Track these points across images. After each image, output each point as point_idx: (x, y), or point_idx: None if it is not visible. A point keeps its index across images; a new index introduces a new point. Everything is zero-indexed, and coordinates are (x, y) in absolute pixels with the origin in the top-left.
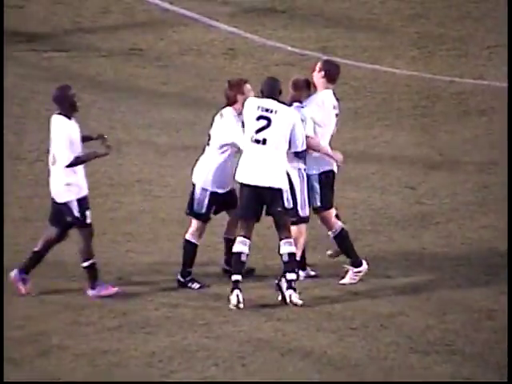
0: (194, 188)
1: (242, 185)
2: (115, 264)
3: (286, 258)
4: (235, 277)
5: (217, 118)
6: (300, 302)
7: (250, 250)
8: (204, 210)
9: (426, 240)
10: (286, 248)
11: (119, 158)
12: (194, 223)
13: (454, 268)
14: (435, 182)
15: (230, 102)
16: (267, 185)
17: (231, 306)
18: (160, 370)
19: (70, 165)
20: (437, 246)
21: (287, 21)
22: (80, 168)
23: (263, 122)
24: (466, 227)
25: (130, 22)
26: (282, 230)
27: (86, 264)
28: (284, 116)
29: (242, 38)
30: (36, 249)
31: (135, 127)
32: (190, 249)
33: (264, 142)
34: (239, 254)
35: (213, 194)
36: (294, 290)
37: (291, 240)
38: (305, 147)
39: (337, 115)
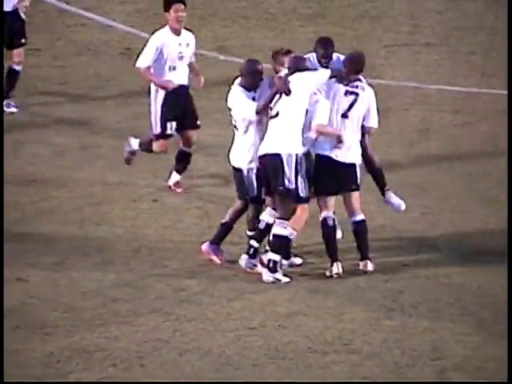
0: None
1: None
2: (16, 263)
3: (271, 238)
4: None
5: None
6: (270, 280)
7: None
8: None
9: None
10: (275, 228)
11: (16, 158)
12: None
13: (352, 268)
14: None
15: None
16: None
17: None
18: (58, 370)
19: None
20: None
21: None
22: None
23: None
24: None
25: (27, 22)
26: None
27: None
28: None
29: (138, 37)
30: (223, 220)
31: (31, 127)
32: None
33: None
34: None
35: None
36: (270, 269)
37: (282, 221)
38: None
39: None
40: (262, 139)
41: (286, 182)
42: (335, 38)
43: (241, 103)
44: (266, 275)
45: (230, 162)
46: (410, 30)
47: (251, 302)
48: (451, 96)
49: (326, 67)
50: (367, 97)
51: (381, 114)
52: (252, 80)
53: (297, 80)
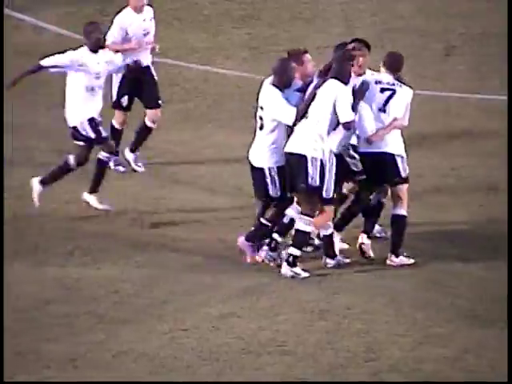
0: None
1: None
2: None
3: (293, 233)
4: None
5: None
6: (289, 274)
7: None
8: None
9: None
10: (297, 223)
11: None
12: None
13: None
14: None
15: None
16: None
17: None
18: None
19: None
20: None
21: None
22: None
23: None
24: None
25: None
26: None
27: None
28: (327, 90)
29: (72, 39)
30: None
31: None
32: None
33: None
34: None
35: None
36: (289, 263)
37: (305, 217)
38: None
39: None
40: (285, 139)
41: (310, 179)
42: (269, 39)
43: (278, 105)
44: (285, 269)
45: (249, 161)
46: (344, 31)
47: (185, 304)
48: None
49: None
50: (404, 94)
51: None
52: (286, 79)
53: (332, 87)
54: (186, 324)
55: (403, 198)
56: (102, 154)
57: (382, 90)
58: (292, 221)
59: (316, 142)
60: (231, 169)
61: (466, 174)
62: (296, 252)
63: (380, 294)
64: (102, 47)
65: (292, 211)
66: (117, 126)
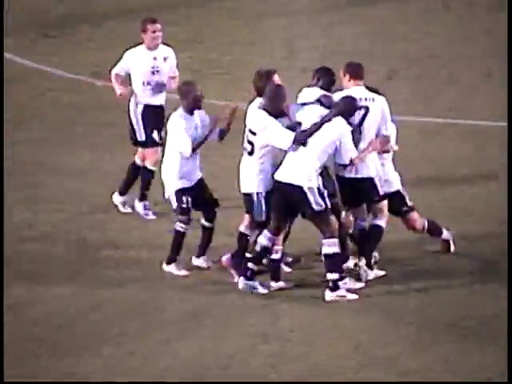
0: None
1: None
2: None
3: (322, 259)
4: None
5: (251, 116)
6: (336, 299)
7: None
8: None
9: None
10: (324, 249)
11: None
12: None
13: (226, 292)
14: None
15: (261, 93)
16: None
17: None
18: None
19: None
20: (213, 269)
21: (59, 46)
22: None
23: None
24: None
25: None
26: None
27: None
28: (333, 128)
29: (13, 62)
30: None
31: None
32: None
33: (304, 144)
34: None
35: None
36: (332, 289)
37: (328, 240)
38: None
39: None
40: (273, 164)
41: (314, 206)
42: (211, 63)
43: (274, 130)
44: (329, 295)
45: (239, 188)
46: (286, 55)
47: (128, 327)
48: None
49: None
50: (377, 108)
51: None
52: (277, 105)
53: (338, 125)
54: (129, 348)
55: (384, 211)
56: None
57: (359, 108)
58: (265, 249)
59: (310, 173)
60: None
61: None
62: (334, 276)
63: (323, 317)
64: (199, 107)
65: (263, 238)
66: (149, 166)
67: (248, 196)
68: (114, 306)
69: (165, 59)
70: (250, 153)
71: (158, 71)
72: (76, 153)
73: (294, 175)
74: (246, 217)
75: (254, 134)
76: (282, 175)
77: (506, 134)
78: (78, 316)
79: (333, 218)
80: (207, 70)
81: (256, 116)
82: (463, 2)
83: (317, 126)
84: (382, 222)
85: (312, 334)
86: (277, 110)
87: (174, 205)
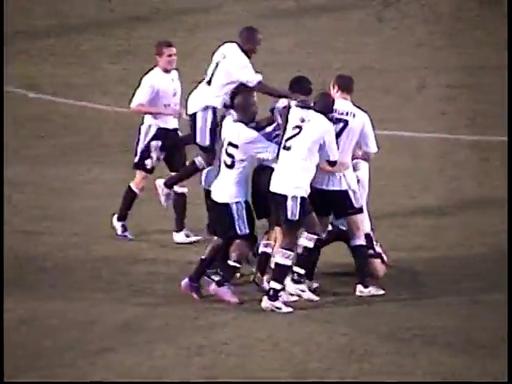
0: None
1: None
2: None
3: (273, 267)
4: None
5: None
6: (270, 308)
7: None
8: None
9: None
10: (277, 258)
11: None
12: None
13: (159, 303)
14: (143, 217)
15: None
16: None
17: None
18: None
19: None
20: (146, 281)
21: None
22: None
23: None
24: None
25: None
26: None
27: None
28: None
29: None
30: (203, 256)
31: None
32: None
33: (289, 148)
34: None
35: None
36: (270, 297)
37: (285, 251)
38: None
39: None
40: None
41: (290, 214)
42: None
43: (259, 143)
44: (266, 303)
45: (212, 197)
46: None
47: (61, 339)
48: None
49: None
50: (356, 124)
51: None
52: (251, 113)
53: (318, 122)
54: (62, 359)
55: (360, 228)
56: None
57: (336, 121)
58: (307, 249)
59: (299, 180)
60: (108, 204)
61: None
62: (276, 286)
63: (257, 329)
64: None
65: (305, 240)
66: (135, 188)
67: (224, 206)
68: (47, 318)
69: (177, 80)
70: (230, 166)
71: (175, 93)
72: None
73: (281, 184)
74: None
75: (235, 146)
76: (272, 185)
77: (439, 145)
78: (11, 328)
79: (297, 232)
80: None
81: (236, 130)
82: (397, 14)
83: (298, 127)
84: (362, 241)
85: (245, 345)
86: (249, 118)
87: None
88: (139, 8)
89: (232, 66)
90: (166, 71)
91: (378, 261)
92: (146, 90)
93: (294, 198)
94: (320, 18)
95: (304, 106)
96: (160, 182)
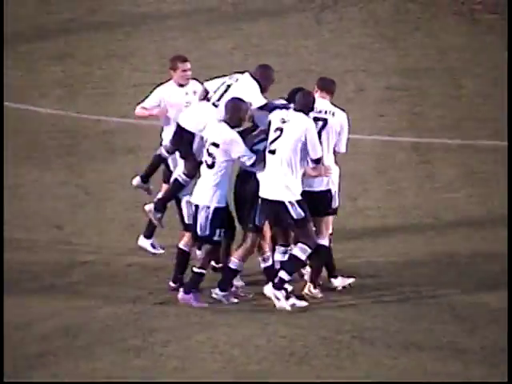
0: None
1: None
2: None
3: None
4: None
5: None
6: (270, 294)
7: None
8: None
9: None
10: (295, 250)
11: None
12: (187, 236)
13: (98, 307)
14: (82, 221)
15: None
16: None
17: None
18: None
19: None
20: (87, 284)
21: None
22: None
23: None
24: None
25: None
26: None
27: (197, 270)
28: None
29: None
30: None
31: None
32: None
33: (274, 152)
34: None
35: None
36: (275, 286)
37: (304, 246)
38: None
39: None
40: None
41: (294, 215)
42: (83, 77)
43: (239, 148)
44: (269, 289)
45: (191, 199)
46: (159, 69)
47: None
48: None
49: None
50: (335, 122)
51: (131, 154)
52: (238, 118)
53: (298, 120)
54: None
55: (328, 228)
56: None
57: (315, 119)
58: (281, 262)
59: (289, 182)
60: (48, 206)
61: None
62: (286, 277)
63: (197, 331)
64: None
65: (278, 254)
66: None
67: (196, 208)
68: None
69: (194, 93)
70: (211, 166)
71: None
72: None
73: (275, 190)
74: (187, 234)
75: (216, 146)
76: (264, 191)
77: (379, 147)
78: None
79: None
80: (79, 85)
81: (219, 129)
82: (335, 17)
83: (278, 129)
84: (325, 242)
85: (185, 347)
86: (237, 123)
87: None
88: (77, 10)
89: (244, 89)
90: (181, 85)
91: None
92: (153, 99)
93: (291, 201)
94: (258, 21)
95: (283, 107)
96: (149, 207)
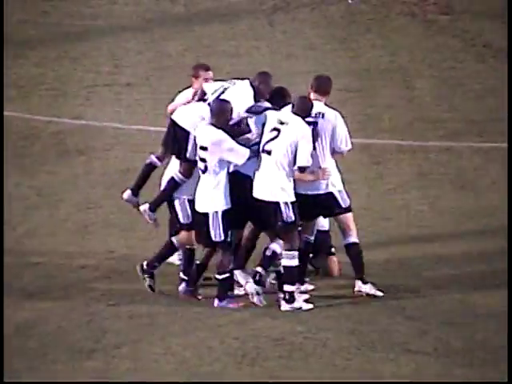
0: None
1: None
2: None
3: (281, 270)
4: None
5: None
6: (291, 310)
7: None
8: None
9: None
10: (284, 261)
11: None
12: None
13: (50, 309)
14: (34, 221)
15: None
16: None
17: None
18: None
19: None
20: (39, 285)
21: None
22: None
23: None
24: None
25: None
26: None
27: (220, 277)
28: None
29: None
30: (198, 261)
31: None
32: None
33: (269, 152)
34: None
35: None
36: (287, 301)
37: (288, 252)
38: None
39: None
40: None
41: (285, 217)
42: (36, 78)
43: (229, 146)
44: (285, 307)
45: (195, 206)
46: (112, 70)
47: None
48: (152, 136)
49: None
50: (326, 123)
51: (84, 155)
52: (224, 119)
53: (297, 125)
54: None
55: (350, 226)
56: None
57: (307, 124)
58: (274, 253)
59: (283, 183)
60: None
61: None
62: (291, 288)
63: (149, 333)
64: None
65: (276, 245)
66: None
67: (204, 216)
68: None
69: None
70: (204, 171)
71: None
72: None
73: (269, 190)
74: (183, 232)
75: (205, 149)
76: (258, 192)
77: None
78: None
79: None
80: (32, 86)
81: (205, 132)
82: (287, 19)
83: (275, 130)
84: (354, 238)
85: (137, 349)
86: (224, 124)
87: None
88: (29, 11)
89: (237, 93)
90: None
91: (334, 259)
92: (181, 101)
93: (286, 202)
94: (210, 23)
95: (273, 108)
96: (145, 207)
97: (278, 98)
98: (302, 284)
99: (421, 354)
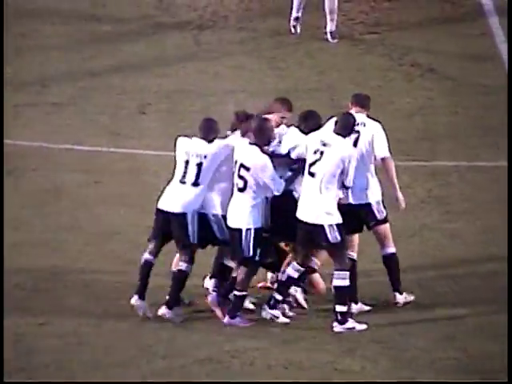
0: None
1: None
2: None
3: (332, 290)
4: None
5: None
6: (344, 331)
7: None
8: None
9: None
10: (335, 281)
11: None
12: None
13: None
14: None
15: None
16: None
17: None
18: None
19: None
20: None
21: None
22: None
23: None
24: None
25: None
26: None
27: (238, 294)
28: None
29: None
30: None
31: None
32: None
33: (313, 175)
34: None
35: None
36: (340, 322)
37: (339, 273)
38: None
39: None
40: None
41: (331, 239)
42: None
43: (269, 174)
44: (339, 328)
45: (227, 222)
46: (39, 90)
47: None
48: (80, 155)
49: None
50: (367, 133)
51: (11, 175)
52: (267, 138)
53: (340, 147)
54: None
55: (387, 237)
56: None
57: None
58: (292, 280)
59: (329, 206)
60: None
61: None
62: (343, 309)
63: (77, 353)
64: None
65: (292, 270)
66: None
67: (237, 232)
68: None
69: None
70: (242, 189)
71: None
72: None
73: (314, 213)
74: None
75: (247, 169)
76: (302, 214)
77: None
78: None
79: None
80: None
81: (249, 152)
82: (213, 38)
83: (318, 151)
84: (392, 249)
85: (65, 368)
86: (265, 142)
87: None
88: None
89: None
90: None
91: (317, 275)
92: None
93: (331, 225)
94: (137, 42)
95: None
96: (163, 312)
97: (311, 121)
98: (356, 303)
99: (347, 373)
